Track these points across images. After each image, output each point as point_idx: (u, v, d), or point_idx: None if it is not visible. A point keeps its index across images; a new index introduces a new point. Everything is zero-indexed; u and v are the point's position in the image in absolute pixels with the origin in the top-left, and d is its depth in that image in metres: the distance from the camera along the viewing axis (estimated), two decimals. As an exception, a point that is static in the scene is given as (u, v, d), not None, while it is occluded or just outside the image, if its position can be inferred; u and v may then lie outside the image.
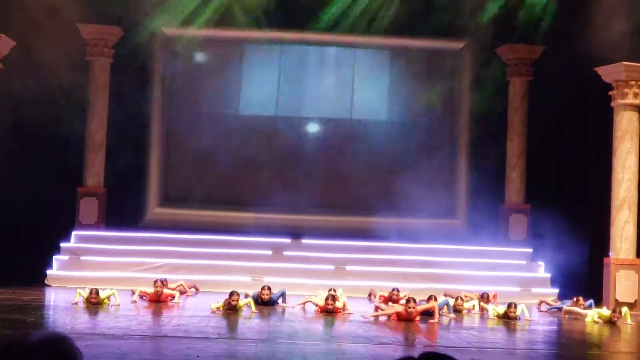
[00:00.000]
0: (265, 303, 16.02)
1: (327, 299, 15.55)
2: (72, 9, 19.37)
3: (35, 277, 18.89)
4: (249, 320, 14.06)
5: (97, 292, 15.06)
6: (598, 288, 18.61)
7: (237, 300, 15.08)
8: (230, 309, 14.86)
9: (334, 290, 16.77)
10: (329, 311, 15.27)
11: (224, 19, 20.99)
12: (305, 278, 19.23)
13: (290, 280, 18.71)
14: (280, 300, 16.49)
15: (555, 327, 15.10)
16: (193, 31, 21.37)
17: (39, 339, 2.04)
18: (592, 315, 15.73)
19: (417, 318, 14.53)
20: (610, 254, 18.67)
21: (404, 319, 14.37)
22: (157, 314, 14.62)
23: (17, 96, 18.83)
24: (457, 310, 16.04)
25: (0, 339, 1.98)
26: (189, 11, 20.89)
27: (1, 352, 2.01)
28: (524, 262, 20.98)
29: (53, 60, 18.98)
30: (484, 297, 17.20)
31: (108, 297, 15.26)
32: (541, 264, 20.80)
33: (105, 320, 13.36)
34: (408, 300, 14.82)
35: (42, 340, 2.03)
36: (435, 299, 15.42)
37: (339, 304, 15.60)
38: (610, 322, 15.39)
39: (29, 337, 2.05)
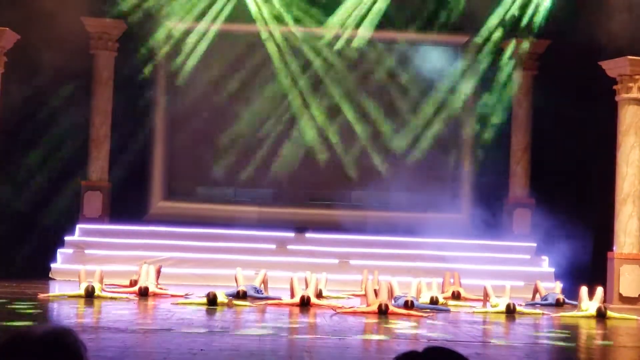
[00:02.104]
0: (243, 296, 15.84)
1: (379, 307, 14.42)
2: (76, 2, 19.39)
3: (39, 270, 18.94)
4: (251, 315, 14.08)
5: (92, 289, 15.13)
6: (602, 282, 18.60)
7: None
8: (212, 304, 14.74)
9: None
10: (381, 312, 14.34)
11: (230, 14, 21.04)
12: (309, 272, 19.21)
13: (294, 275, 18.68)
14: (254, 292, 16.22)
15: (557, 321, 15.08)
16: (197, 25, 21.39)
17: (42, 332, 2.04)
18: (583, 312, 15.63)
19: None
20: (614, 248, 18.68)
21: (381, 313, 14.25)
22: (160, 307, 14.64)
23: (20, 89, 18.84)
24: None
25: (5, 332, 1.98)
26: (194, 5, 20.93)
27: (5, 346, 2.02)
28: (528, 257, 20.98)
29: (56, 53, 19.00)
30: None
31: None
32: (545, 259, 20.80)
33: (110, 314, 13.38)
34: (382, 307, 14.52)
35: (46, 334, 2.03)
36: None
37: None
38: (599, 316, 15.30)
39: (32, 330, 2.05)
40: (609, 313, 15.43)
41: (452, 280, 18.32)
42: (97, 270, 16.00)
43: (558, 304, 16.85)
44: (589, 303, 15.66)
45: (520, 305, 16.20)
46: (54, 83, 19.61)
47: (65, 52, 19.24)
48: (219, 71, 22.54)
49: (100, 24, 21.17)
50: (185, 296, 16.01)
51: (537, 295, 17.79)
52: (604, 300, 16.29)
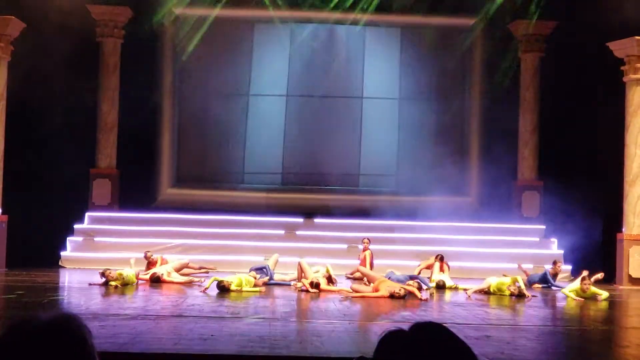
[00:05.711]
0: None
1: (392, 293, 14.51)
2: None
3: (49, 258, 19.02)
4: (262, 300, 14.12)
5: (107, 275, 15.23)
6: (611, 264, 18.59)
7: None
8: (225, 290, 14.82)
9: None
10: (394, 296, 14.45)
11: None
12: (317, 257, 19.25)
13: (302, 259, 18.72)
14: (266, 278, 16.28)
15: (565, 303, 15.08)
16: (203, 11, 21.37)
17: (47, 318, 2.05)
18: (568, 292, 15.54)
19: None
20: (623, 229, 18.65)
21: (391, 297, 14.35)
22: (171, 294, 14.69)
23: (28, 78, 18.86)
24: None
25: (13, 319, 2.01)
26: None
27: (10, 332, 2.03)
28: (537, 239, 20.97)
29: (63, 41, 19.01)
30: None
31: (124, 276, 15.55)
32: (554, 241, 20.80)
33: (120, 301, 13.44)
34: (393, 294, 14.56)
35: (51, 320, 2.04)
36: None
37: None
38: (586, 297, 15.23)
39: (37, 317, 2.06)
40: (591, 289, 15.29)
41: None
42: (132, 259, 16.65)
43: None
44: (572, 284, 15.63)
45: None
46: (60, 71, 19.61)
47: (71, 40, 19.25)
48: (226, 57, 22.55)
49: (106, 11, 21.16)
50: (199, 283, 16.04)
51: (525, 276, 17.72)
52: (607, 281, 16.38)
